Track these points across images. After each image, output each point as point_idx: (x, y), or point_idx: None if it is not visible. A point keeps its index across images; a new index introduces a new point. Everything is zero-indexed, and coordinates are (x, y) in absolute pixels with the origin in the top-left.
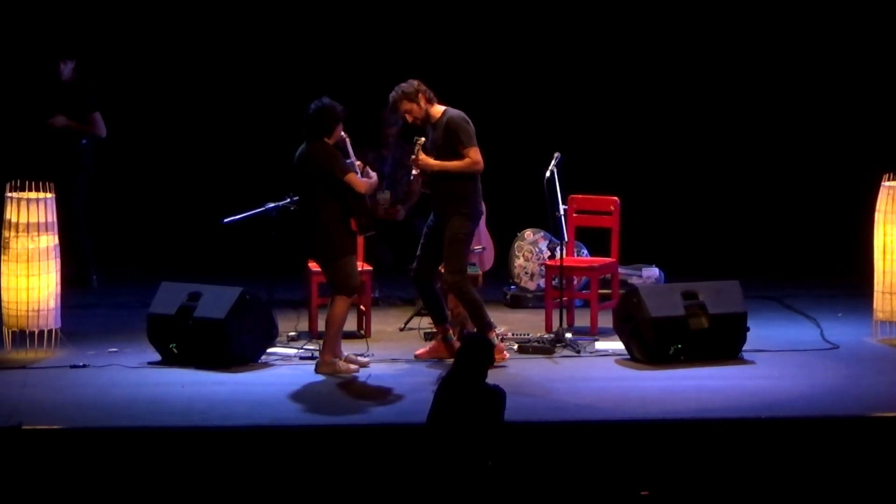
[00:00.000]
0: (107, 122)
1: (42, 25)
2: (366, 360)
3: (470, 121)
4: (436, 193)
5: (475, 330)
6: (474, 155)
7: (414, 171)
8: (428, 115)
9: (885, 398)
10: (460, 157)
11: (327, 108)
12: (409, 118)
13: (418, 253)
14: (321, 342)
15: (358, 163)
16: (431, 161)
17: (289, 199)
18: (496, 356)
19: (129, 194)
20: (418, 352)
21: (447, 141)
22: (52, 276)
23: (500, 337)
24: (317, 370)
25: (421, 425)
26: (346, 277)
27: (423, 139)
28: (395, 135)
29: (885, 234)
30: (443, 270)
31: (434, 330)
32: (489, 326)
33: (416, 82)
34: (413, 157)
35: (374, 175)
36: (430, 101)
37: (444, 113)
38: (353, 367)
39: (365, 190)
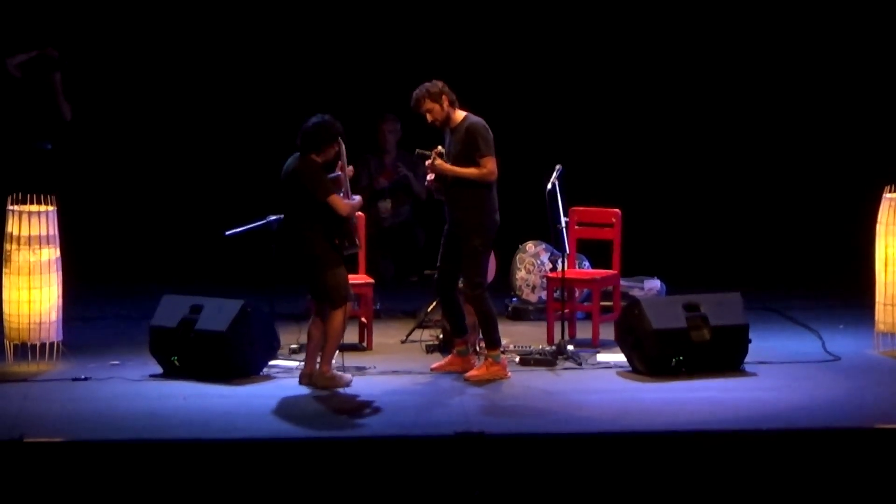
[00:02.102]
0: (109, 133)
1: (40, 29)
2: (349, 377)
3: (490, 130)
4: (450, 201)
5: (481, 343)
6: (490, 164)
7: (429, 177)
8: (448, 119)
9: (887, 410)
10: (476, 164)
11: (326, 125)
12: (429, 118)
13: (438, 264)
14: (304, 363)
15: (349, 168)
16: (446, 166)
17: None
18: (500, 372)
19: (131, 206)
20: (434, 365)
21: (465, 147)
22: (54, 289)
23: (504, 351)
24: (317, 384)
25: (420, 438)
26: (337, 288)
27: (440, 147)
28: (393, 143)
29: (887, 245)
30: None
31: (434, 343)
32: (497, 343)
33: (440, 83)
34: (429, 161)
35: (357, 199)
36: (452, 105)
37: (465, 119)
38: (348, 376)
39: (346, 213)
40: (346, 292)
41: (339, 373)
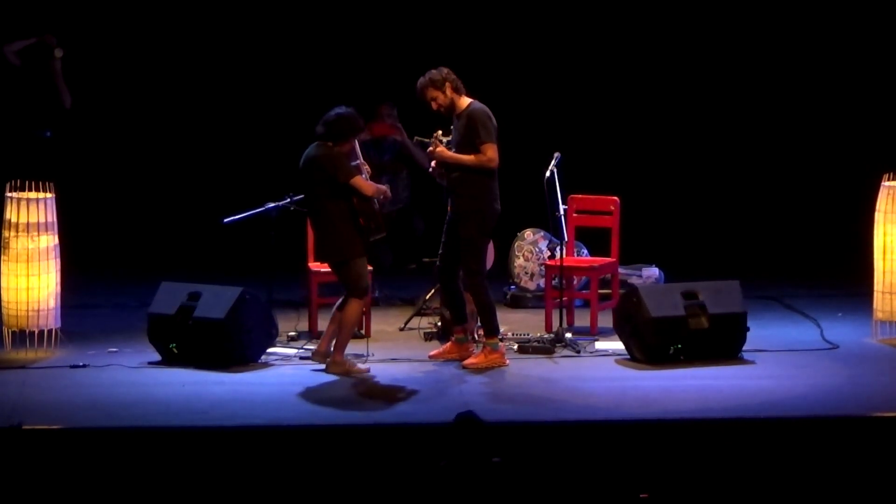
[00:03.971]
0: (107, 122)
1: (39, 16)
2: (366, 367)
3: (493, 117)
4: (451, 188)
5: (479, 331)
6: (490, 152)
7: (432, 163)
8: (453, 105)
9: (885, 398)
10: (478, 151)
11: (351, 118)
12: (433, 106)
13: (440, 251)
14: (319, 341)
15: (365, 167)
16: (447, 153)
17: (288, 199)
18: (498, 360)
19: (129, 194)
20: (432, 353)
21: (467, 134)
22: (52, 276)
23: (502, 339)
24: (328, 370)
25: (419, 425)
26: (357, 279)
27: (440, 131)
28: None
29: (885, 233)
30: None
31: (433, 330)
32: (495, 331)
33: (445, 70)
34: (430, 148)
35: (380, 186)
36: (456, 91)
37: (468, 105)
38: (364, 367)
39: (372, 193)
40: (366, 284)
41: (354, 362)
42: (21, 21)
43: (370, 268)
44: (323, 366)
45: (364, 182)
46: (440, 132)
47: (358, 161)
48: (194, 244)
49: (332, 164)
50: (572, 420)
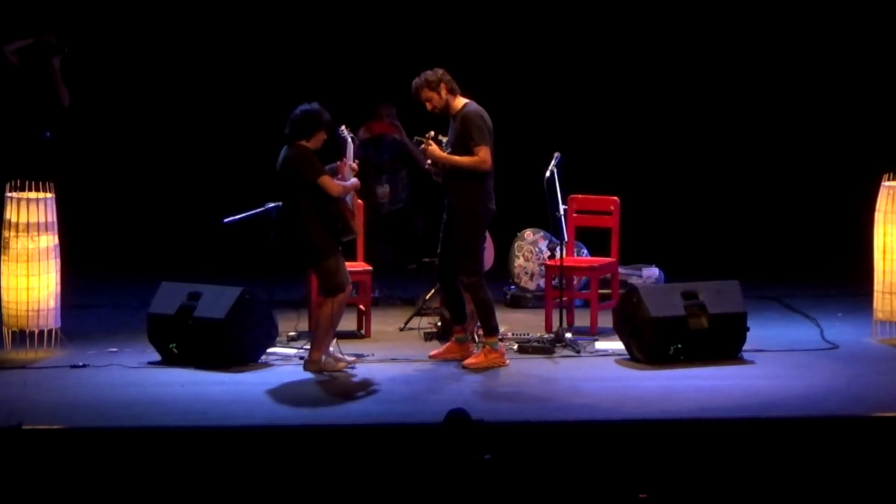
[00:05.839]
0: (106, 122)
1: (37, 15)
2: (352, 358)
3: (487, 118)
4: (447, 187)
5: (479, 331)
6: (483, 154)
7: (428, 162)
8: (448, 106)
9: (885, 398)
10: (471, 153)
11: (312, 112)
12: (428, 106)
13: (439, 250)
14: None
15: (354, 163)
16: (438, 152)
17: None
18: (498, 360)
19: (129, 194)
20: (432, 353)
21: (461, 136)
22: (52, 276)
23: (502, 338)
24: (304, 368)
25: (419, 425)
26: (330, 277)
27: (433, 132)
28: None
29: (885, 234)
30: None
31: (433, 330)
32: (494, 330)
33: (440, 71)
34: (423, 146)
35: (353, 181)
36: (451, 92)
37: (463, 107)
38: (340, 364)
39: (337, 193)
40: (340, 281)
41: (333, 358)
42: (21, 21)
43: (370, 267)
44: (325, 375)
45: (331, 182)
46: (433, 132)
47: (342, 161)
48: (194, 244)
49: (302, 162)
50: (572, 420)
